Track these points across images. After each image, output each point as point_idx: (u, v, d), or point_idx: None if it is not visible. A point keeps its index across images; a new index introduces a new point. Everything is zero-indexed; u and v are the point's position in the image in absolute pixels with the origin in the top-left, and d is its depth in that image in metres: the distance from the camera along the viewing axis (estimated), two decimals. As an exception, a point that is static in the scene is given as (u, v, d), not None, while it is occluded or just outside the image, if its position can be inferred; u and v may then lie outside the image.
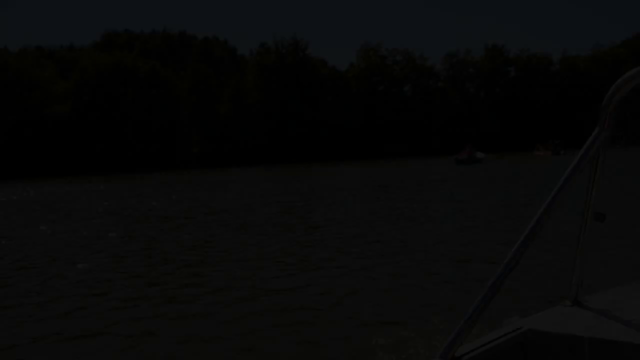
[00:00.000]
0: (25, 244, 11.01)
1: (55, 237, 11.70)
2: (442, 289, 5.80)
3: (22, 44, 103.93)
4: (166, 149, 73.63)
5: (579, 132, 55.81)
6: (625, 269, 4.53)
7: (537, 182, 17.64)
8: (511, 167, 28.18)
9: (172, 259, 8.51)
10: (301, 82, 76.61)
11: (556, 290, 3.42)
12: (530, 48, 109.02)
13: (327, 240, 9.19)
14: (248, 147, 76.05)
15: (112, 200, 21.74)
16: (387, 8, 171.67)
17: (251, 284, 6.54)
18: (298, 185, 24.40)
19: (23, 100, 67.62)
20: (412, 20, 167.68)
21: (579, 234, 1.71)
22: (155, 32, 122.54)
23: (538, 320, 1.66)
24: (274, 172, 42.92)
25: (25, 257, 9.42)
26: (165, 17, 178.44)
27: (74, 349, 4.69)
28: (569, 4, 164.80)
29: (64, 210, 18.11)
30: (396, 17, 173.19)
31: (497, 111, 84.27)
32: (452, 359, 1.31)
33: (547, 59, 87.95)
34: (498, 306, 3.00)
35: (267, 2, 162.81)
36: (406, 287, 6.00)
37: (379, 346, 4.02)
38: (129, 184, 35.58)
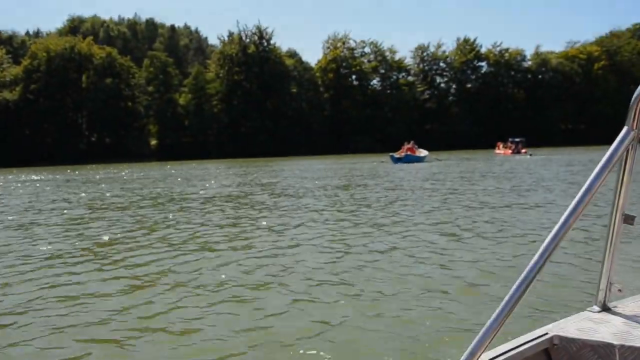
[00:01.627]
0: None
1: None
2: None
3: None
4: (121, 141, 70.58)
5: (550, 130, 54.04)
6: None
7: (445, 185, 15.51)
8: (449, 167, 25.91)
9: None
10: (264, 73, 73.79)
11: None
12: (503, 42, 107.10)
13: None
14: (208, 140, 73.24)
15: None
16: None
17: None
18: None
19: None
20: (381, 11, 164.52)
21: (607, 237, 1.63)
22: (122, 19, 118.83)
23: (565, 327, 1.61)
24: (227, 168, 40.37)
25: None
26: (146, 3, 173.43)
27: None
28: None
29: None
30: (366, 8, 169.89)
31: (468, 107, 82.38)
32: None
33: (519, 54, 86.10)
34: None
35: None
36: None
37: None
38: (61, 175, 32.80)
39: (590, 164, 24.44)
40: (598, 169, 1.41)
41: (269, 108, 74.14)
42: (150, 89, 74.19)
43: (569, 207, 1.36)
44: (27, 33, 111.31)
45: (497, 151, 45.04)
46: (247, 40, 75.81)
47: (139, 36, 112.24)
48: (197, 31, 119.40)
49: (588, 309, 1.73)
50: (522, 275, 1.30)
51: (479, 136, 76.89)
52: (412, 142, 35.14)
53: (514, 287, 1.29)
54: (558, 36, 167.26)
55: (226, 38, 78.05)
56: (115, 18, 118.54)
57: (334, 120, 77.54)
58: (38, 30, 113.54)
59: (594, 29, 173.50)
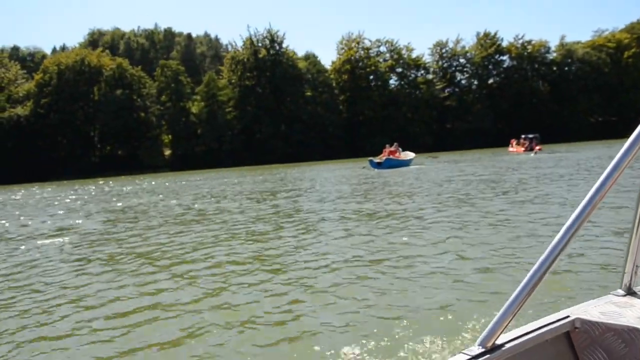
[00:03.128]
0: None
1: None
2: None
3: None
4: (134, 152, 69.93)
5: (578, 123, 50.86)
6: None
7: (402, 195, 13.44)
8: (430, 172, 23.44)
9: None
10: (276, 77, 72.22)
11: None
12: (526, 34, 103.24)
13: None
14: (222, 149, 72.00)
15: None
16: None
17: None
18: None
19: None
20: (397, 9, 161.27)
21: (633, 219, 1.57)
22: (142, 29, 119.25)
23: (587, 310, 1.57)
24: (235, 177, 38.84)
25: None
26: (162, 14, 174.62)
27: None
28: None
29: None
30: (380, 5, 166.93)
31: (490, 103, 79.16)
32: (492, 348, 1.25)
33: (543, 45, 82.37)
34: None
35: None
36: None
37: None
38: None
39: (606, 162, 21.80)
40: (628, 144, 1.34)
41: (283, 113, 72.53)
42: (162, 98, 73.44)
43: (596, 184, 1.28)
44: (54, 49, 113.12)
45: (511, 149, 42.12)
46: (259, 44, 74.31)
47: (157, 46, 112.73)
48: (216, 39, 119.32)
49: (612, 292, 1.67)
50: (545, 254, 1.23)
51: (503, 133, 73.55)
52: (395, 144, 31.89)
53: (535, 266, 1.23)
54: (585, 25, 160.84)
55: (236, 43, 76.89)
56: (136, 29, 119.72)
57: (351, 122, 75.40)
58: (64, 45, 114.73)
59: (625, 16, 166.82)
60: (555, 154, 33.64)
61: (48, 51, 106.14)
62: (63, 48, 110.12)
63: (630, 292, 1.66)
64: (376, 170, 28.64)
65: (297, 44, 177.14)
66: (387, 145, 31.67)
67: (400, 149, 31.57)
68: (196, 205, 15.08)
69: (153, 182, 36.37)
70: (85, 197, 24.73)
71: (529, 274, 1.24)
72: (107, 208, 17.23)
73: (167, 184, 32.77)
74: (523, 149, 39.50)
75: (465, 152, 57.80)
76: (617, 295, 1.66)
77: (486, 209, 9.66)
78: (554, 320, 1.51)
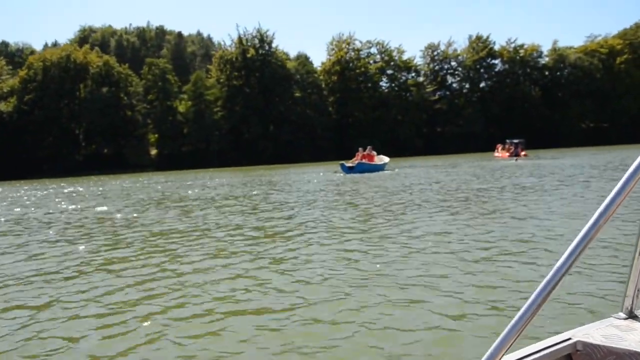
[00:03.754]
0: None
1: None
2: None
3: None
4: (120, 151, 68.91)
5: (569, 129, 50.32)
6: None
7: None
8: (401, 178, 22.58)
9: None
10: (264, 77, 71.34)
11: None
12: (519, 39, 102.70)
13: None
14: (209, 149, 71.05)
15: None
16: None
17: None
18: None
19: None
20: (388, 10, 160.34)
21: (635, 243, 1.59)
22: (135, 27, 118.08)
23: (589, 332, 1.58)
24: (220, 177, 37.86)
25: None
26: (155, 13, 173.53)
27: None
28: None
29: None
30: (374, 6, 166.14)
31: (481, 107, 78.48)
32: None
33: (536, 50, 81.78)
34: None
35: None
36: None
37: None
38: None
39: (586, 170, 21.09)
40: (634, 166, 1.31)
41: (272, 113, 71.64)
42: (149, 97, 72.45)
43: (600, 207, 1.26)
44: (46, 45, 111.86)
45: (496, 154, 41.41)
46: (248, 44, 73.39)
47: (149, 44, 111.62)
48: (209, 38, 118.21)
49: (613, 315, 1.67)
50: (548, 277, 1.22)
51: (494, 137, 72.87)
52: (369, 147, 30.80)
53: (539, 288, 1.21)
54: (578, 30, 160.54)
55: (225, 42, 76.01)
56: (129, 27, 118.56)
57: (340, 124, 74.57)
58: (56, 42, 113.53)
59: (618, 22, 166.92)
60: (537, 160, 32.88)
61: (39, 47, 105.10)
62: (55, 44, 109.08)
63: (632, 316, 1.64)
64: (348, 174, 27.65)
65: (291, 45, 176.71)
66: (361, 149, 30.62)
67: (374, 153, 30.60)
68: (119, 215, 14.02)
69: (118, 182, 35.47)
70: None
71: (532, 295, 1.20)
72: None
73: (124, 184, 31.73)
74: (508, 154, 38.77)
75: (451, 156, 57.07)
76: (618, 319, 1.63)
77: (409, 227, 8.77)
78: (556, 342, 1.50)
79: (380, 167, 29.49)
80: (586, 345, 1.51)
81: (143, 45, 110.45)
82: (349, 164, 29.16)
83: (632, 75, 78.29)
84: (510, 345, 1.19)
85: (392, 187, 17.87)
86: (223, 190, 21.31)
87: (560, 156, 37.08)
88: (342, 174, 28.31)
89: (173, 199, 18.46)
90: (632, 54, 79.39)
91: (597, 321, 1.65)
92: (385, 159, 31.13)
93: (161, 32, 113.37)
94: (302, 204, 13.62)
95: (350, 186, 19.40)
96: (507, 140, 42.07)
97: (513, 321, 1.19)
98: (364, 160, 29.18)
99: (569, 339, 1.53)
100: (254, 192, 18.96)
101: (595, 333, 1.56)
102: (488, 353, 1.17)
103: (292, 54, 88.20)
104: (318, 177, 27.17)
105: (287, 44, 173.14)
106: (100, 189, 28.98)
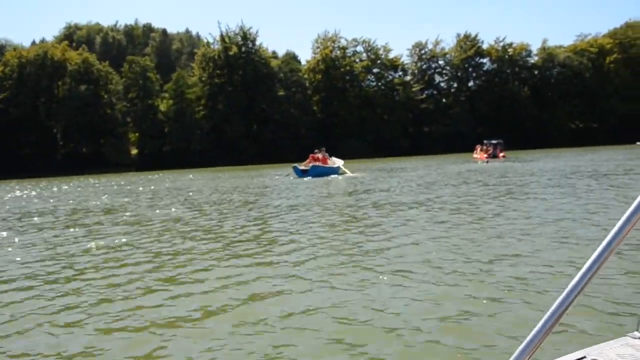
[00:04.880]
0: None
1: None
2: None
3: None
4: (99, 150, 67.49)
5: (558, 129, 49.17)
6: None
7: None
8: (345, 183, 21.27)
9: None
10: (247, 76, 69.98)
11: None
12: (507, 37, 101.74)
13: None
14: (190, 148, 69.69)
15: None
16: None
17: None
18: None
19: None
20: (375, 9, 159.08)
21: None
22: (122, 25, 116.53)
23: (603, 351, 1.58)
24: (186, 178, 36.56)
25: None
26: (143, 10, 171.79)
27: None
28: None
29: None
30: (358, 5, 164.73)
31: (468, 107, 77.28)
32: None
33: (525, 49, 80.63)
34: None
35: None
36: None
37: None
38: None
39: (558, 174, 19.88)
40: None
41: (254, 112, 70.26)
42: (130, 95, 71.01)
43: (616, 226, 1.23)
44: (33, 42, 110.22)
45: (475, 155, 40.13)
46: (230, 41, 71.98)
47: (136, 42, 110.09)
48: (197, 36, 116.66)
49: (628, 334, 1.67)
50: (563, 294, 1.20)
51: (482, 137, 71.59)
52: (322, 149, 28.99)
53: (554, 306, 1.20)
54: (568, 30, 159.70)
55: (208, 40, 74.63)
56: (116, 25, 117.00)
57: (324, 124, 73.23)
58: (43, 39, 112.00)
59: (609, 22, 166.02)
60: (511, 163, 31.56)
61: (27, 44, 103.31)
62: (43, 42, 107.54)
63: None
64: (301, 178, 26.10)
65: (279, 43, 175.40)
66: (316, 150, 28.88)
67: (327, 155, 29.11)
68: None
69: (72, 183, 34.14)
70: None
71: (547, 314, 1.19)
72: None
73: (79, 188, 30.34)
74: (486, 155, 37.51)
75: (435, 156, 55.92)
76: (634, 338, 1.62)
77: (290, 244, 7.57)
78: None
79: (334, 171, 27.92)
80: None
81: (130, 43, 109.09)
82: (302, 167, 27.60)
83: (621, 75, 77.31)
84: None
85: (330, 192, 16.64)
86: (144, 197, 20.02)
87: (540, 158, 35.84)
88: (293, 177, 26.86)
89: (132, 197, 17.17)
90: (622, 53, 78.39)
91: (611, 340, 1.62)
92: (339, 162, 29.52)
93: (149, 29, 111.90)
94: (243, 210, 12.33)
95: (290, 193, 18.14)
96: (485, 141, 40.85)
97: (527, 340, 1.17)
98: (317, 163, 27.52)
99: (584, 357, 1.51)
100: (173, 204, 17.64)
101: (610, 352, 1.53)
102: None
103: (281, 52, 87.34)
104: (272, 181, 25.77)
105: (276, 43, 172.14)
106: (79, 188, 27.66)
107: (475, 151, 41.41)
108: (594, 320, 3.97)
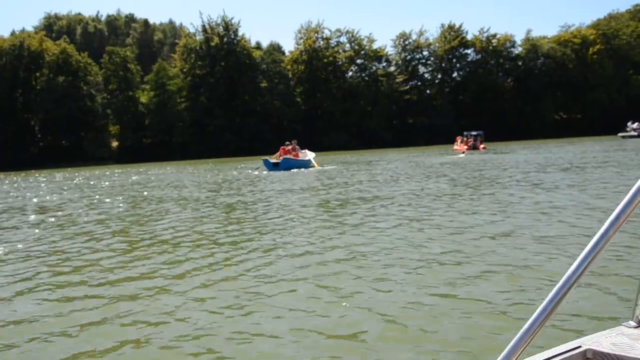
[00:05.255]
0: None
1: None
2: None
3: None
4: (79, 143, 66.40)
5: (542, 120, 48.98)
6: None
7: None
8: (308, 177, 20.73)
9: None
10: (229, 67, 69.11)
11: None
12: (492, 28, 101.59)
13: None
14: (172, 141, 68.84)
15: None
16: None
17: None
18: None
19: None
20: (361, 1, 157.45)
21: None
22: (105, 15, 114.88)
23: (599, 341, 1.57)
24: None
25: None
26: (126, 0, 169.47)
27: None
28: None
29: None
30: None
31: (452, 98, 76.98)
32: None
33: (509, 40, 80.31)
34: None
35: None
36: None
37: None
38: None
39: (532, 167, 19.49)
40: None
41: (237, 104, 69.50)
42: (110, 87, 69.88)
43: (612, 215, 1.23)
44: (13, 32, 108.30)
45: (455, 147, 39.79)
46: (212, 32, 70.99)
47: (118, 32, 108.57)
48: (181, 26, 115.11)
49: (624, 323, 1.66)
50: (558, 285, 1.21)
51: (465, 129, 71.43)
52: (294, 141, 28.24)
53: (549, 297, 1.20)
54: (552, 20, 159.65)
55: (189, 30, 73.55)
56: (98, 15, 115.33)
57: (307, 116, 72.62)
58: (23, 29, 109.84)
59: (592, 13, 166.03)
60: (488, 155, 31.11)
61: (6, 35, 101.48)
62: (23, 32, 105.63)
63: None
64: (272, 172, 25.42)
65: (263, 35, 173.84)
66: (287, 142, 28.16)
67: (298, 148, 28.40)
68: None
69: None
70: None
71: (542, 304, 1.19)
72: None
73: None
74: (466, 146, 37.15)
75: (416, 148, 55.52)
76: (629, 327, 1.62)
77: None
78: (565, 350, 1.49)
79: (306, 164, 27.24)
80: (596, 353, 1.49)
81: (113, 34, 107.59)
82: (273, 160, 26.87)
83: (604, 67, 77.30)
84: (520, 354, 1.17)
85: (286, 188, 16.12)
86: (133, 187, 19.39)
87: (519, 150, 35.52)
88: (265, 172, 26.08)
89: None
90: (605, 44, 78.36)
91: (607, 329, 1.62)
92: (311, 155, 28.74)
93: (131, 20, 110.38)
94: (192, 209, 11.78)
95: (247, 189, 17.59)
96: (465, 133, 40.49)
97: (522, 330, 1.18)
98: (288, 156, 26.88)
99: (579, 347, 1.51)
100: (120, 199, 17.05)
101: (605, 341, 1.54)
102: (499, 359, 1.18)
103: (265, 43, 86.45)
104: (242, 175, 25.14)
105: (260, 34, 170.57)
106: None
107: (455, 143, 41.06)
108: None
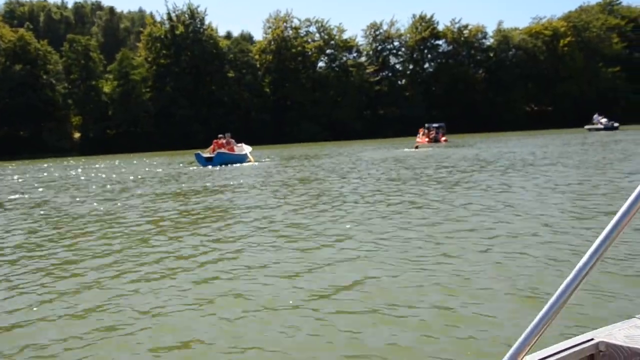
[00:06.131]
0: None
1: None
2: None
3: None
4: (38, 134, 64.12)
5: (513, 112, 48.30)
6: None
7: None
8: (235, 173, 19.60)
9: None
10: (195, 57, 67.32)
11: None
12: (463, 19, 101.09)
13: None
14: (137, 132, 66.90)
15: None
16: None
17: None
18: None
19: None
20: None
21: None
22: (66, 2, 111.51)
23: (612, 333, 1.57)
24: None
25: None
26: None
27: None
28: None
29: None
30: None
31: (423, 89, 76.21)
32: None
33: (481, 31, 79.76)
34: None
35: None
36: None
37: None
38: None
39: (481, 163, 18.62)
40: None
41: (203, 95, 67.79)
42: (72, 76, 67.54)
43: (624, 205, 1.20)
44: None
45: (418, 139, 38.91)
46: (177, 20, 69.05)
47: (85, 20, 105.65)
48: (151, 15, 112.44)
49: (637, 315, 1.67)
50: (570, 276, 1.19)
51: (436, 120, 70.66)
52: (227, 134, 26.73)
53: (561, 288, 1.18)
54: (524, 12, 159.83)
55: (154, 18, 71.45)
56: (62, 2, 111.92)
57: (276, 106, 71.22)
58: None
59: (564, 5, 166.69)
60: (445, 149, 30.16)
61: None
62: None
63: None
64: (205, 167, 23.91)
65: (235, 24, 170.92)
66: (221, 136, 26.43)
67: (233, 141, 26.93)
68: None
69: None
70: None
71: (554, 296, 1.18)
72: None
73: None
74: (427, 139, 36.26)
75: (383, 140, 54.58)
76: None
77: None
78: (578, 342, 1.49)
79: (242, 158, 25.84)
80: (609, 345, 1.47)
81: (80, 22, 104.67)
82: (205, 154, 25.32)
83: (574, 59, 77.25)
84: (532, 346, 1.16)
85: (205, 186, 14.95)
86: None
87: (478, 143, 34.65)
88: (198, 167, 24.56)
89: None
90: (576, 36, 78.27)
91: (619, 322, 1.61)
92: (247, 149, 27.24)
93: (98, 7, 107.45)
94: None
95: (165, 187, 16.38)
96: (427, 125, 39.59)
97: (534, 321, 1.16)
98: (223, 150, 25.25)
99: (592, 339, 1.50)
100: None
101: (619, 333, 1.52)
102: (509, 353, 1.15)
103: (236, 32, 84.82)
104: (174, 170, 23.77)
105: (232, 24, 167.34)
106: None
107: (418, 135, 40.18)
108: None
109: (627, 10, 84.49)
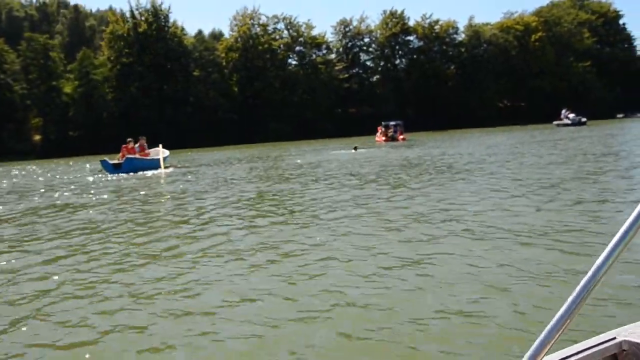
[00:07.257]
0: None
1: None
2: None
3: None
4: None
5: (486, 108, 46.71)
6: None
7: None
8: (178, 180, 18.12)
9: None
10: (159, 55, 65.41)
11: None
12: (434, 14, 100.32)
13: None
14: (99, 133, 64.77)
15: None
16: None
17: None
18: None
19: None
20: None
21: None
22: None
23: (635, 331, 1.53)
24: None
25: None
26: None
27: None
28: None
29: None
30: None
31: (394, 86, 75.12)
32: None
33: (452, 26, 78.92)
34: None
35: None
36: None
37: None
38: None
39: (431, 164, 17.39)
40: None
41: (167, 94, 65.80)
42: (31, 76, 65.19)
43: None
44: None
45: (376, 138, 37.68)
46: (140, 18, 67.05)
47: (50, 19, 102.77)
48: (112, 11, 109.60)
49: None
50: (590, 273, 1.17)
51: (408, 117, 69.44)
52: (141, 138, 24.48)
53: (581, 285, 1.16)
54: (495, 7, 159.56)
55: (117, 16, 69.27)
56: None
57: (245, 105, 69.56)
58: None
59: (535, 0, 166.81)
60: (386, 148, 28.78)
61: None
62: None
63: None
64: (113, 175, 21.55)
65: (205, 23, 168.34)
66: (130, 140, 24.13)
67: (146, 146, 24.45)
68: None
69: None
70: None
71: (574, 292, 1.15)
72: None
73: None
74: (384, 137, 35.03)
75: (350, 138, 53.27)
76: None
77: None
78: (600, 342, 1.45)
79: (155, 164, 23.08)
80: (632, 344, 1.43)
81: (45, 20, 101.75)
82: (114, 160, 23.01)
83: (546, 54, 76.83)
84: (552, 345, 1.14)
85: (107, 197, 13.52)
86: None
87: (438, 141, 33.47)
88: (105, 175, 22.11)
89: None
90: (547, 31, 77.87)
91: None
92: (164, 153, 24.51)
93: (64, 5, 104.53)
94: None
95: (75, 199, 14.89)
96: (384, 123, 38.36)
97: (553, 320, 1.14)
98: (133, 155, 22.94)
99: (614, 338, 1.46)
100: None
101: None
102: (529, 353, 1.13)
103: (207, 31, 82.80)
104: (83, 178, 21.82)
105: (201, 22, 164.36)
106: None
107: (377, 133, 38.95)
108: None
109: (598, 5, 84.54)
